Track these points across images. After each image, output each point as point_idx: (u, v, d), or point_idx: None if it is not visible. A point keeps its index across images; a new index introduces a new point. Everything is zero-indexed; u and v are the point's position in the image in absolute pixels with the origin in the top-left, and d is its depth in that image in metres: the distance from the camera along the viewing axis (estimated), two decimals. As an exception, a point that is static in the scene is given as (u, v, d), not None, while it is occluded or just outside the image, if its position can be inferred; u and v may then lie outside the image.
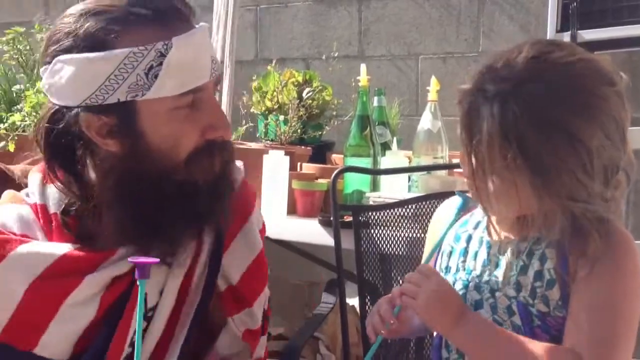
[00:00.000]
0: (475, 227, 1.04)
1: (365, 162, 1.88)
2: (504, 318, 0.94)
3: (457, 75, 2.61)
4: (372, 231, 1.54)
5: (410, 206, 1.57)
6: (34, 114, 2.16)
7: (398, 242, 1.56)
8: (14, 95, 2.35)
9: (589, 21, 2.17)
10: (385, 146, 2.02)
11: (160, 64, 0.93)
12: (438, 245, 1.05)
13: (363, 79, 1.94)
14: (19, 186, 1.10)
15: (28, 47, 2.47)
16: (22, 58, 2.44)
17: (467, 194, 1.03)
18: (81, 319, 0.97)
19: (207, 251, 1.06)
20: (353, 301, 1.67)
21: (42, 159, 1.03)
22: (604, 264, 0.89)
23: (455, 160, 1.95)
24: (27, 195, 1.04)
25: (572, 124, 0.87)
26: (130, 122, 0.95)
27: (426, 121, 1.93)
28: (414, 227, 1.55)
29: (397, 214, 1.57)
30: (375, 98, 2.09)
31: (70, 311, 0.96)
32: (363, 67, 1.98)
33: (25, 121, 2.14)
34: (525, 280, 0.93)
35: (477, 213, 1.05)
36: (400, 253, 1.55)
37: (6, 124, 2.13)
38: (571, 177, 0.87)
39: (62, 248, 0.97)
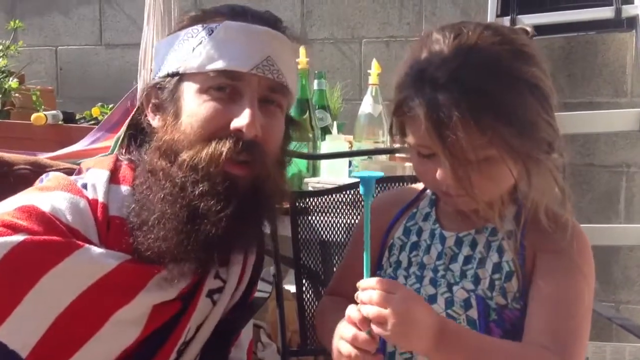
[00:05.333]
0: (425, 219, 1.00)
1: (304, 147, 1.84)
2: (459, 312, 0.91)
3: (400, 59, 2.60)
4: (311, 217, 1.50)
5: (349, 192, 1.54)
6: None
7: (338, 229, 1.53)
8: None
9: (528, 6, 2.20)
10: (326, 130, 1.99)
11: (207, 39, 0.94)
12: (368, 247, 0.90)
13: (302, 61, 1.89)
14: (6, 177, 1.07)
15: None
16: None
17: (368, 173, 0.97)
18: (123, 339, 0.91)
19: (246, 282, 1.04)
20: (291, 288, 1.64)
21: (110, 157, 1.02)
22: (562, 259, 0.89)
23: (397, 145, 1.93)
24: (85, 188, 0.95)
25: (522, 70, 0.87)
26: (174, 95, 0.96)
27: (367, 105, 1.89)
28: (354, 213, 1.53)
29: (336, 199, 1.54)
30: (316, 81, 2.05)
31: (114, 329, 0.89)
32: (302, 50, 1.94)
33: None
34: (483, 273, 0.92)
35: (424, 205, 1.01)
36: (340, 240, 1.52)
37: None
38: (541, 121, 0.86)
39: (117, 258, 0.90)
